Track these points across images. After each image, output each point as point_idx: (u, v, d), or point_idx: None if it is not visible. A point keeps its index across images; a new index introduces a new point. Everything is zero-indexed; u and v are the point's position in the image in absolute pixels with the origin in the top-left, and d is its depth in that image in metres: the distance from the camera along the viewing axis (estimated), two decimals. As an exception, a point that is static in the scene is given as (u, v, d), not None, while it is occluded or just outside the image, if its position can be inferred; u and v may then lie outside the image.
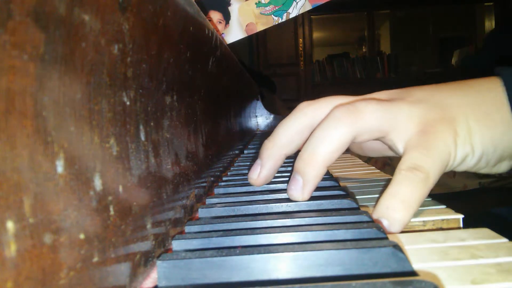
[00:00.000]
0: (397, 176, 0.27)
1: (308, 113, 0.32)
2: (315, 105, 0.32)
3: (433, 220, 0.29)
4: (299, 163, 0.30)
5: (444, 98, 0.31)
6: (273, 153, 0.33)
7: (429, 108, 0.30)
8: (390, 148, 0.31)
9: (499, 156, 0.30)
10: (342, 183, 0.42)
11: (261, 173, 0.34)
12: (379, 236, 0.23)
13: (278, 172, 0.47)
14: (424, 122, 0.29)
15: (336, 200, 0.30)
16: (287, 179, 0.41)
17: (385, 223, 0.26)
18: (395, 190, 0.27)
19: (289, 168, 0.49)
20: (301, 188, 0.30)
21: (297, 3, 0.87)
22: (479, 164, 0.31)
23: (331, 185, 0.38)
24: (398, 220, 0.26)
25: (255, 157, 0.65)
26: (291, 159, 0.52)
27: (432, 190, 0.27)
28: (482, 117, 0.30)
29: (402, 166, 0.27)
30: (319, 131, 0.30)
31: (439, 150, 0.28)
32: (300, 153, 0.31)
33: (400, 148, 0.30)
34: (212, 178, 0.42)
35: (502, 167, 0.32)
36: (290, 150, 0.33)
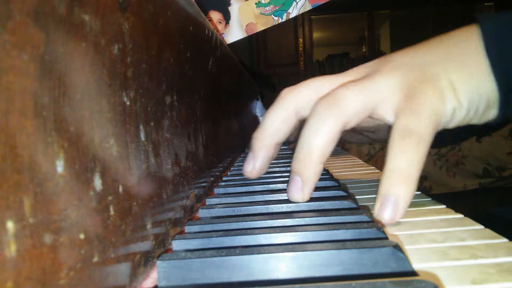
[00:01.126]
0: (391, 149, 0.27)
1: (291, 99, 0.32)
2: (296, 90, 0.32)
3: (433, 220, 0.29)
4: (296, 164, 0.30)
5: (421, 57, 0.30)
6: (264, 144, 0.33)
7: (408, 71, 0.29)
8: (383, 121, 0.30)
9: (485, 103, 0.30)
10: (342, 183, 0.42)
11: (255, 165, 0.34)
12: (379, 236, 0.23)
13: (278, 172, 0.47)
14: (406, 87, 0.29)
15: (336, 201, 0.30)
16: (287, 179, 0.42)
17: (392, 200, 0.26)
18: (393, 165, 0.26)
19: (289, 168, 0.49)
20: (301, 188, 0.30)
21: (297, 3, 0.87)
22: (469, 115, 0.30)
23: (331, 185, 0.38)
24: (404, 194, 0.26)
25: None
26: (288, 159, 0.52)
27: (432, 190, 0.27)
28: (461, 68, 0.29)
29: (394, 134, 0.27)
30: (308, 129, 0.30)
31: (427, 110, 0.27)
32: (294, 154, 0.31)
33: (390, 119, 0.29)
34: (212, 178, 0.42)
35: (490, 115, 0.31)
36: (279, 138, 0.34)
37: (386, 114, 0.29)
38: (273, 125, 0.33)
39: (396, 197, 0.26)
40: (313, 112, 0.30)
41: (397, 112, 0.28)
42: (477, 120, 0.31)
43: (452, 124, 0.30)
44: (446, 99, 0.28)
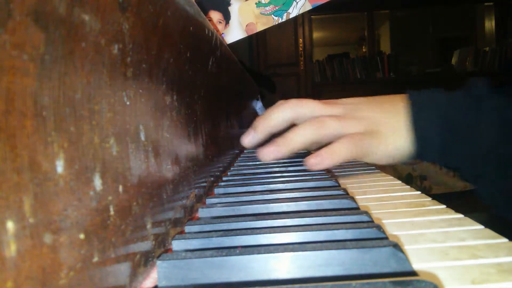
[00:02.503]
0: (338, 139, 0.44)
1: (295, 109, 0.47)
2: (301, 104, 0.47)
3: (433, 220, 0.29)
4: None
5: (375, 118, 0.46)
6: (264, 129, 0.48)
7: (368, 125, 0.45)
8: None
9: (400, 156, 0.46)
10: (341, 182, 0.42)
11: (253, 139, 0.49)
12: (379, 236, 0.23)
13: (279, 172, 0.47)
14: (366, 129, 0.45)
15: (336, 200, 0.30)
16: (287, 179, 0.42)
17: (320, 156, 0.43)
18: (333, 146, 0.43)
19: (290, 168, 0.50)
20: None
21: (297, 3, 0.87)
22: (394, 160, 0.47)
23: (331, 185, 0.38)
24: (328, 162, 0.43)
25: (255, 157, 0.66)
26: (289, 159, 0.52)
27: (432, 190, 0.28)
28: (394, 132, 0.45)
29: (344, 136, 0.44)
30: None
31: (365, 144, 0.44)
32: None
33: None
34: (212, 178, 0.42)
35: (406, 160, 0.47)
36: (275, 130, 0.48)
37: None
38: (276, 120, 0.47)
39: (322, 159, 0.43)
40: (308, 121, 0.45)
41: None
42: (399, 162, 0.48)
43: (380, 162, 0.47)
44: (379, 147, 0.45)
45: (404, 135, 0.45)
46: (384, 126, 0.46)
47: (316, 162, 0.43)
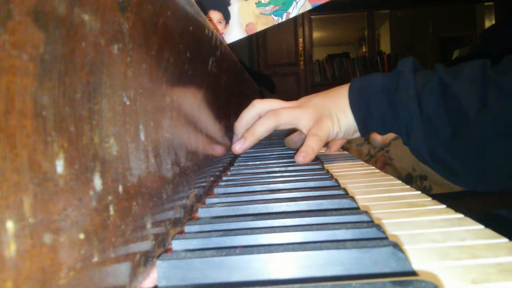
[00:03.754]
0: (307, 140, 0.53)
1: (258, 107, 0.58)
2: (261, 103, 0.59)
3: (433, 220, 0.29)
4: (234, 128, 0.60)
5: (324, 103, 0.57)
6: (241, 130, 0.59)
7: (317, 110, 0.56)
8: (301, 131, 0.57)
9: (353, 130, 0.56)
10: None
11: (235, 139, 0.59)
12: (379, 236, 0.23)
13: (279, 172, 0.47)
14: (315, 117, 0.55)
15: (336, 200, 0.30)
16: (287, 179, 0.42)
17: (305, 151, 0.51)
18: (307, 145, 0.52)
19: (289, 168, 0.50)
20: (235, 138, 0.58)
21: (297, 3, 0.87)
22: (345, 136, 0.57)
23: (331, 185, 0.38)
24: (309, 154, 0.51)
25: (255, 157, 0.66)
26: (289, 159, 0.52)
27: (432, 190, 0.28)
28: (342, 112, 0.56)
29: (308, 135, 0.54)
30: (242, 113, 0.59)
31: (324, 128, 0.54)
32: (234, 125, 0.60)
33: (304, 131, 0.56)
34: (212, 178, 0.42)
35: (356, 136, 0.58)
36: (248, 127, 0.58)
37: (303, 128, 0.56)
38: (246, 120, 0.59)
39: (305, 154, 0.51)
40: (267, 113, 0.56)
41: (308, 128, 0.55)
42: (350, 138, 0.59)
43: (337, 138, 0.57)
44: (334, 126, 0.56)
45: (350, 113, 0.55)
46: (333, 109, 0.56)
47: (303, 156, 0.52)
